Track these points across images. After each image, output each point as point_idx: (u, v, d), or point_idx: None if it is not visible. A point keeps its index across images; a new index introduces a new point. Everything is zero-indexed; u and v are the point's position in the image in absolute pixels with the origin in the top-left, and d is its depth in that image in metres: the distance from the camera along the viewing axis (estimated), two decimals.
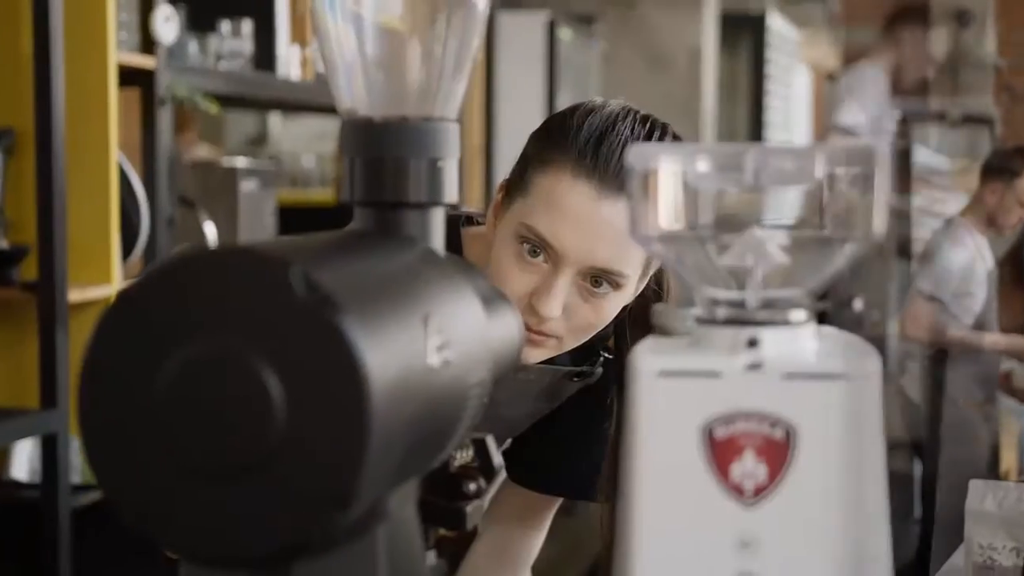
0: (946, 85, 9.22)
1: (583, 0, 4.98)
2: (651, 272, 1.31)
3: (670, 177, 0.70)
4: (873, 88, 4.35)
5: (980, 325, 4.16)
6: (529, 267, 1.24)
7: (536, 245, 1.23)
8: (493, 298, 0.86)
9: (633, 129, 1.24)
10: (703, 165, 0.69)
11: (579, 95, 5.78)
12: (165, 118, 2.66)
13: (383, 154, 0.80)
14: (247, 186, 3.03)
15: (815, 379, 0.66)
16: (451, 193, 0.82)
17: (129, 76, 2.60)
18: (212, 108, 2.73)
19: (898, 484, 3.84)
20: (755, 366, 0.67)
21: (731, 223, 0.71)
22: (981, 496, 1.95)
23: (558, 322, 1.25)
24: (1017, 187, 4.27)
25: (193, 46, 2.90)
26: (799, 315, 0.70)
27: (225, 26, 2.98)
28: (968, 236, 4.19)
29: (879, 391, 0.67)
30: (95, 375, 0.63)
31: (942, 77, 9.27)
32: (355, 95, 0.82)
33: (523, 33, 4.70)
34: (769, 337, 0.68)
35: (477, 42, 0.84)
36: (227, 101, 3.11)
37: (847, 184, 0.68)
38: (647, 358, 0.68)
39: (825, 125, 4.47)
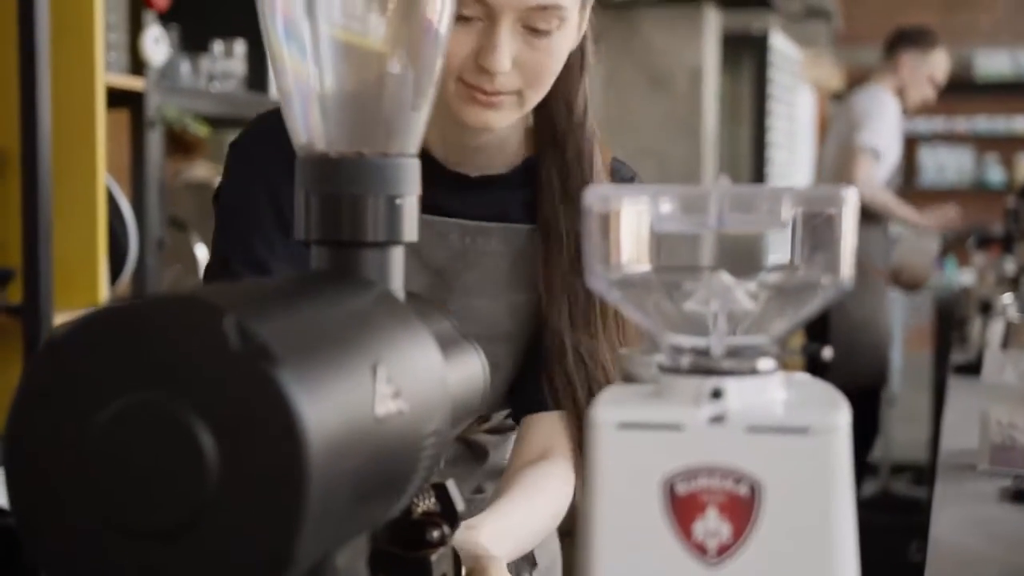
0: None
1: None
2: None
3: (631, 219, 0.67)
4: (889, 110, 4.41)
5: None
6: (465, 27, 1.19)
7: (466, 3, 1.18)
8: (453, 340, 0.83)
9: None
10: (665, 207, 0.66)
11: None
12: (154, 140, 2.63)
13: (339, 191, 0.77)
14: None
15: (781, 433, 0.63)
16: (411, 231, 0.79)
17: (119, 97, 2.58)
18: (202, 131, 2.71)
19: None
20: (718, 419, 0.64)
21: (696, 266, 0.69)
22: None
23: (511, 76, 1.21)
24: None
25: (185, 66, 2.88)
26: (766, 363, 0.66)
27: (218, 47, 2.96)
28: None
29: (848, 445, 0.64)
30: (21, 424, 0.59)
31: None
32: (311, 129, 0.79)
33: None
34: (734, 387, 0.65)
35: (437, 73, 0.81)
36: (220, 122, 3.08)
37: (814, 228, 0.65)
38: (606, 409, 0.65)
39: (841, 145, 4.48)
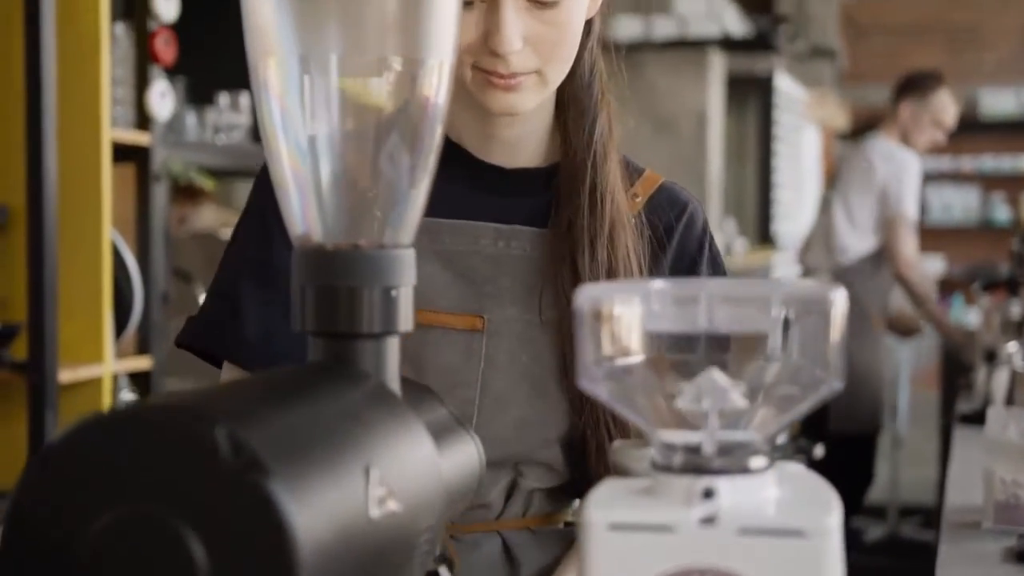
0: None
1: None
2: None
3: (622, 317, 0.67)
4: (914, 170, 4.43)
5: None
6: (470, 12, 1.14)
7: None
8: (448, 427, 0.83)
9: None
10: (655, 306, 0.67)
11: None
12: (160, 194, 2.65)
13: (336, 283, 0.78)
14: None
15: (773, 535, 0.63)
16: (406, 322, 0.79)
17: (125, 152, 2.60)
18: (207, 184, 2.72)
19: None
20: (710, 520, 0.64)
21: (687, 363, 0.69)
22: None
23: (525, 55, 1.16)
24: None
25: (191, 119, 2.90)
26: (758, 462, 0.67)
27: (223, 99, 2.98)
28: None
29: (840, 545, 0.64)
30: (15, 533, 0.60)
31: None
32: (308, 220, 0.80)
33: None
34: (726, 487, 0.65)
35: (432, 164, 0.82)
36: (226, 173, 3.10)
37: (805, 326, 0.66)
38: (597, 510, 0.65)
39: (880, 213, 4.45)
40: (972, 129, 9.85)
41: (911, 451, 5.83)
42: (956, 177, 9.90)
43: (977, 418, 2.66)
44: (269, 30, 0.78)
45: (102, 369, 2.47)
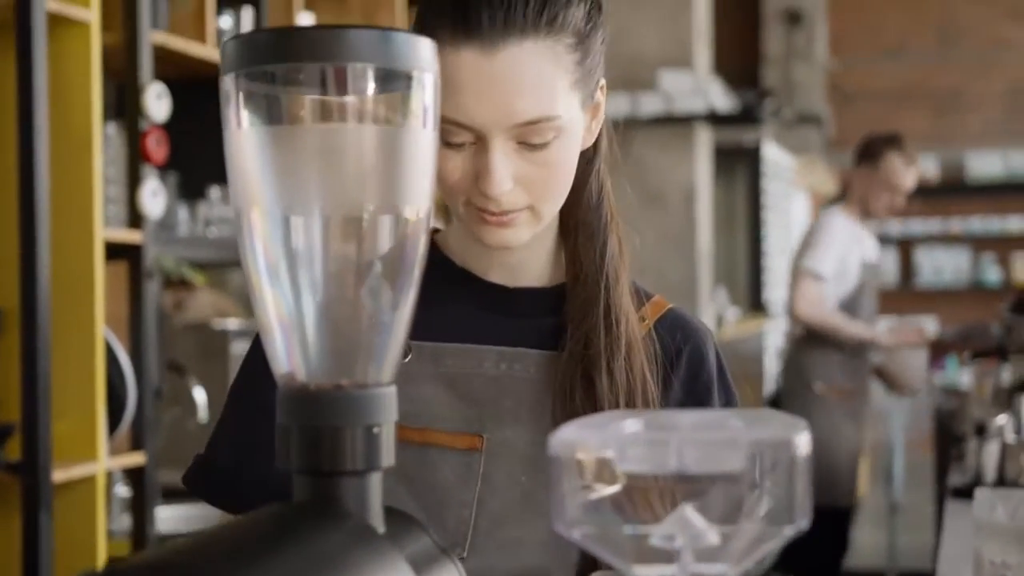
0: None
1: None
2: (596, 89, 1.21)
3: (594, 459, 0.69)
4: (837, 233, 4.46)
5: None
6: (457, 154, 1.14)
7: (452, 132, 1.12)
8: (433, 557, 0.85)
9: None
10: (628, 451, 0.69)
11: None
12: (152, 291, 2.67)
13: (319, 423, 0.80)
14: (239, 347, 3.04)
15: None
16: (388, 457, 0.82)
17: (117, 250, 2.63)
18: (198, 280, 2.75)
19: None
20: None
21: (660, 501, 0.71)
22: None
23: (516, 194, 1.15)
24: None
25: (183, 213, 2.93)
26: None
27: (215, 192, 3.02)
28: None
29: None
30: None
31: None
32: (292, 361, 0.82)
33: None
34: None
35: (411, 305, 0.84)
36: (219, 265, 3.14)
37: (773, 468, 0.68)
38: None
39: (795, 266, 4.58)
40: (960, 191, 9.95)
41: (909, 516, 5.83)
42: (946, 239, 9.97)
43: (968, 492, 2.67)
44: (253, 181, 0.81)
45: (96, 467, 2.48)
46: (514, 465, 1.23)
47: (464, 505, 1.22)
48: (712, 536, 0.69)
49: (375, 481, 0.81)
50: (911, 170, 4.55)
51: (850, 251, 4.50)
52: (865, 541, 6.61)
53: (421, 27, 1.15)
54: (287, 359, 0.83)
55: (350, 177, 0.81)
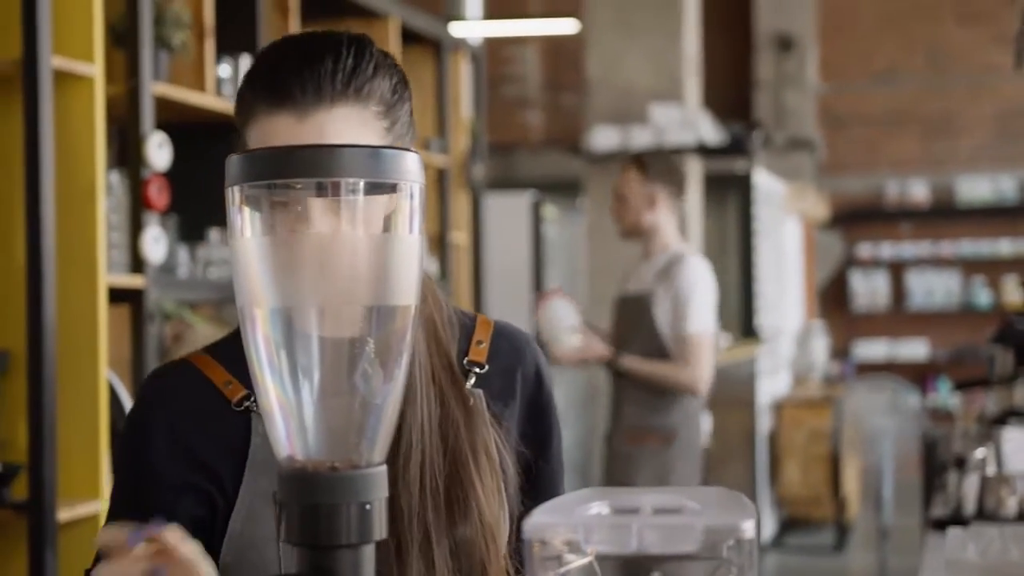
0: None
1: (570, 175, 5.13)
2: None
3: (562, 542, 0.78)
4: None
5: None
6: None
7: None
8: None
9: (303, 39, 1.23)
10: (594, 534, 0.77)
11: (565, 267, 5.91)
12: (153, 333, 2.76)
13: (316, 501, 0.88)
14: None
15: None
16: (380, 531, 0.90)
17: (120, 294, 2.71)
18: (198, 323, 2.84)
19: None
20: None
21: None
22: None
23: None
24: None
25: (183, 255, 3.01)
26: None
27: (214, 235, 3.10)
28: None
29: None
30: None
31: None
32: (292, 444, 0.91)
33: (509, 212, 4.83)
34: None
35: (400, 390, 0.93)
36: (219, 303, 3.22)
37: (724, 552, 0.76)
38: None
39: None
40: (950, 215, 10.05)
41: (900, 538, 5.90)
42: (937, 262, 10.05)
43: (948, 524, 2.74)
44: (256, 284, 0.90)
45: (100, 506, 2.55)
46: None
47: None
48: None
49: (368, 553, 0.90)
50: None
51: None
52: (856, 564, 6.68)
53: (243, 96, 1.22)
54: (287, 442, 0.91)
55: (344, 279, 0.89)
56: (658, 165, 3.96)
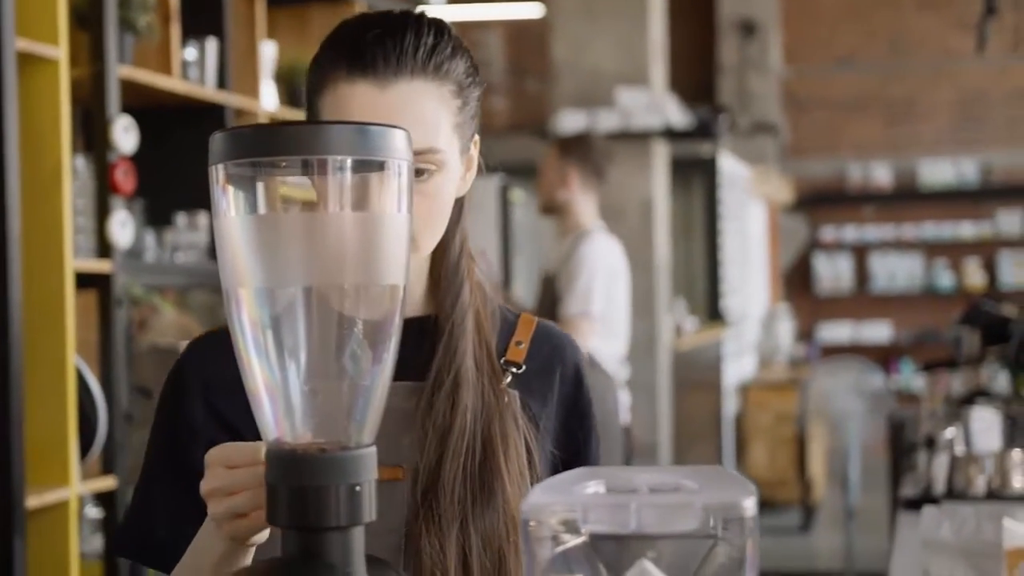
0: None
1: (536, 159, 5.12)
2: (471, 142, 1.28)
3: (560, 522, 0.77)
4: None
5: None
6: None
7: None
8: None
9: (385, 15, 1.24)
10: (592, 513, 0.76)
11: (533, 252, 5.91)
12: (121, 318, 2.73)
13: (305, 484, 0.87)
14: None
15: None
16: (370, 512, 0.89)
17: (87, 279, 2.68)
18: (166, 308, 2.81)
19: None
20: None
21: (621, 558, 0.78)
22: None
23: None
24: None
25: (151, 240, 2.98)
26: None
27: (181, 219, 3.07)
28: None
29: None
30: None
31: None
32: (280, 425, 0.89)
33: (477, 196, 4.81)
34: None
35: (389, 370, 0.91)
36: (185, 288, 3.19)
37: (723, 530, 0.76)
38: None
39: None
40: (912, 199, 10.11)
41: (866, 518, 5.93)
42: (899, 245, 10.12)
43: (919, 504, 2.75)
44: (240, 264, 0.88)
45: (68, 492, 2.53)
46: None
47: (392, 532, 1.22)
48: None
49: (358, 535, 0.88)
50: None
51: None
52: (822, 544, 6.73)
53: (320, 63, 1.23)
54: (275, 425, 0.90)
55: (331, 258, 0.88)
56: (575, 147, 3.99)
